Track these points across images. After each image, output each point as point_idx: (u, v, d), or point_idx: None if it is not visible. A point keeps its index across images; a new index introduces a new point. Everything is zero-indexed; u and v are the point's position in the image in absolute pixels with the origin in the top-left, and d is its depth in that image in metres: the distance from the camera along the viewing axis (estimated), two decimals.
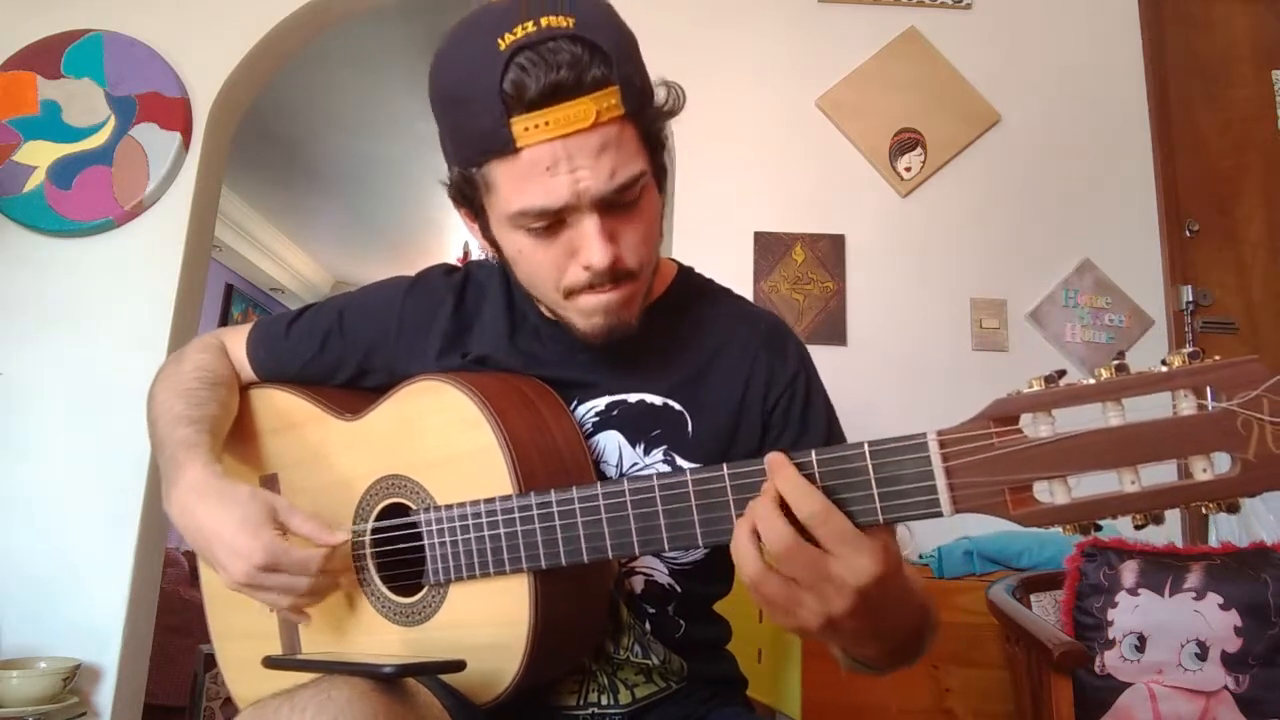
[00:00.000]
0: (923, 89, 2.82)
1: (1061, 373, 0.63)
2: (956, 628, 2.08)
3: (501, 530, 0.88)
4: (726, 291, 1.16)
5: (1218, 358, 0.58)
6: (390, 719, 0.75)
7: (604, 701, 1.00)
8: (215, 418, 1.09)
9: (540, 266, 0.93)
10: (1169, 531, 2.35)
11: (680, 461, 1.02)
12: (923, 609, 0.84)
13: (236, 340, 1.21)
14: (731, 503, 0.76)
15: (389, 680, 0.79)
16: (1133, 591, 1.85)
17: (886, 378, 2.63)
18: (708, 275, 1.18)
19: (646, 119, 0.91)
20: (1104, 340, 2.67)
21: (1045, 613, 1.99)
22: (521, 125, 0.84)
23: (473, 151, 0.89)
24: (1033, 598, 2.01)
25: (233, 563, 0.93)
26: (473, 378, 0.98)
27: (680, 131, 2.73)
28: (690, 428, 1.03)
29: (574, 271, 0.91)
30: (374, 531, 1.01)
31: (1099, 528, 0.64)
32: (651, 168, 0.93)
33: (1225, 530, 2.18)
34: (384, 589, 1.00)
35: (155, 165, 2.60)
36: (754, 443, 1.04)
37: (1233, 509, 0.59)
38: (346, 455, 1.06)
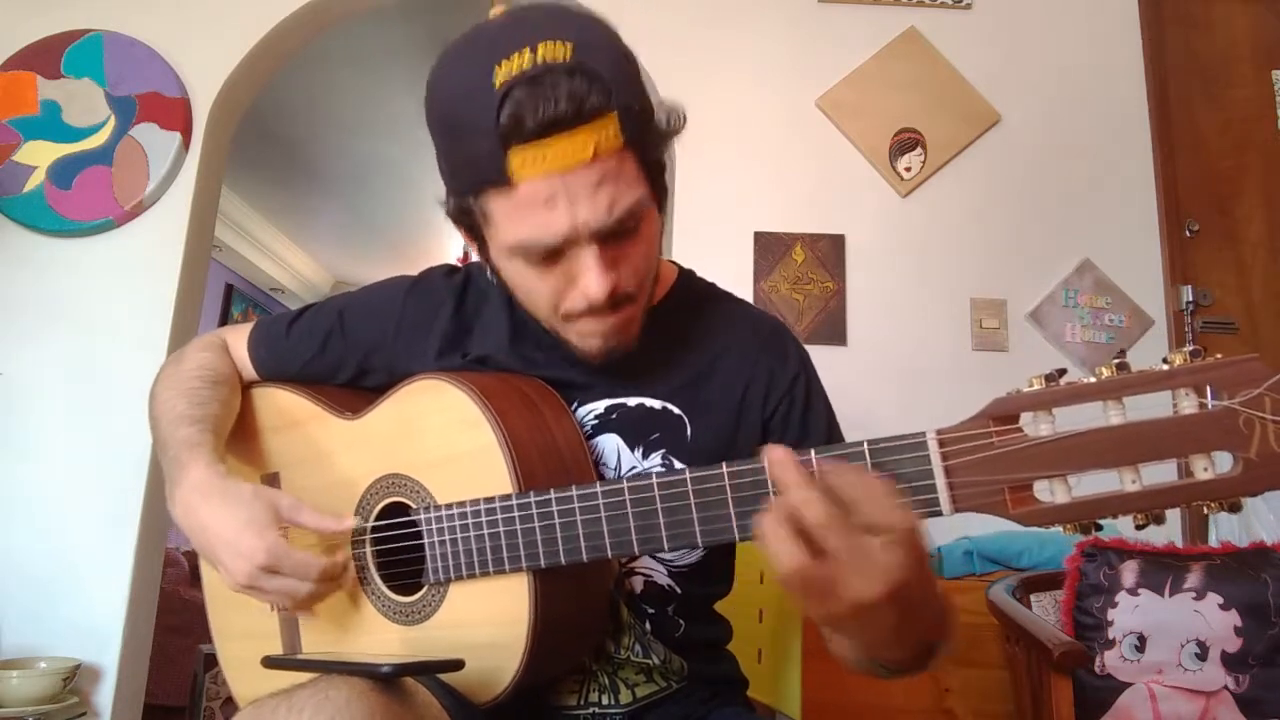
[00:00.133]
0: (923, 89, 2.82)
1: (1062, 371, 0.63)
2: None
3: (501, 529, 0.88)
4: (727, 295, 1.16)
5: (1219, 356, 0.58)
6: (388, 718, 0.75)
7: (604, 701, 1.00)
8: (217, 417, 1.09)
9: (539, 293, 0.93)
10: (1169, 531, 2.35)
11: (678, 466, 1.01)
12: (945, 609, 0.83)
13: (238, 339, 1.21)
14: (731, 502, 0.76)
15: (387, 680, 0.79)
16: (1133, 591, 1.85)
17: (886, 378, 2.62)
18: (708, 276, 1.18)
19: (646, 146, 0.89)
20: (1104, 340, 2.67)
21: (1045, 613, 1.99)
22: (518, 159, 0.82)
23: (469, 181, 0.89)
24: (1033, 598, 2.01)
25: (235, 563, 0.93)
26: (473, 377, 0.98)
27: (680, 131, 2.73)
28: (689, 432, 1.03)
29: (573, 298, 0.92)
30: (374, 530, 1.01)
31: (1099, 527, 0.63)
32: (652, 192, 0.92)
33: (1225, 530, 2.18)
34: (384, 588, 1.00)
35: (155, 165, 2.60)
36: (754, 447, 1.03)
37: (1234, 508, 0.59)
38: (347, 454, 1.06)
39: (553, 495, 0.86)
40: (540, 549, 0.86)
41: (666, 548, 0.82)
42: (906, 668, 0.83)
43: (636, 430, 1.03)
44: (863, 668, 0.87)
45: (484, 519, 0.90)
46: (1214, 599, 1.81)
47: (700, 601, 1.10)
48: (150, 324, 2.55)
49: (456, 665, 0.84)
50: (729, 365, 1.06)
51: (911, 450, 0.68)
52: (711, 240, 2.70)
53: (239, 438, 1.17)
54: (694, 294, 1.13)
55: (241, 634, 1.14)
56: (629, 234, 0.90)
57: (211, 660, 3.25)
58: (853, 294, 2.70)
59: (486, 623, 0.91)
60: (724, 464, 0.77)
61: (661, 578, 1.03)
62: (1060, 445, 0.62)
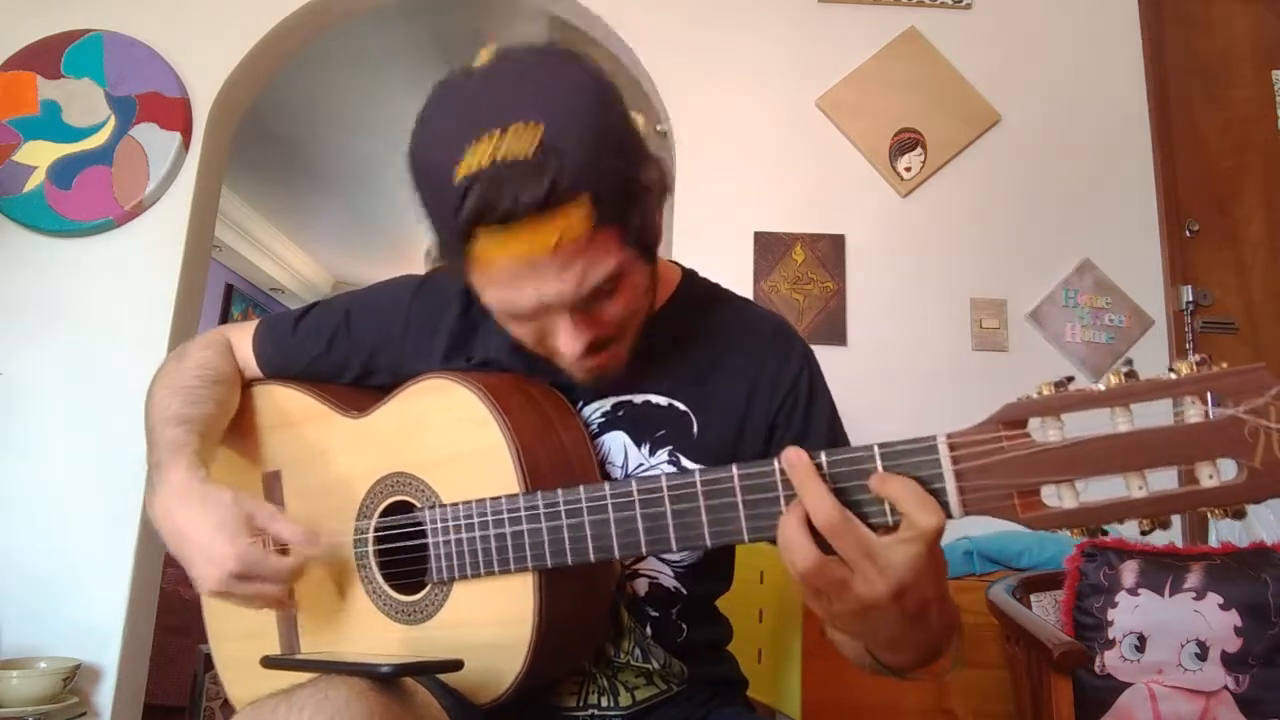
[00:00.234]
0: (923, 89, 2.82)
1: (1070, 378, 0.63)
2: None
3: (507, 529, 0.88)
4: (731, 295, 1.16)
5: (1225, 365, 0.58)
6: (388, 718, 0.75)
7: (604, 703, 1.00)
8: (210, 417, 1.09)
9: (521, 338, 0.94)
10: (1169, 532, 2.34)
11: (685, 462, 1.02)
12: (955, 617, 0.84)
13: (242, 337, 1.21)
14: (741, 504, 0.76)
15: (386, 680, 0.79)
16: (1133, 591, 1.85)
17: (886, 378, 2.63)
18: (708, 276, 1.18)
19: (626, 219, 0.86)
20: (1104, 340, 2.68)
21: (1045, 613, 1.99)
22: (482, 243, 0.82)
23: (445, 247, 0.89)
24: (1033, 598, 2.01)
25: (206, 569, 0.93)
26: (480, 377, 0.98)
27: (680, 132, 2.74)
28: (695, 429, 1.03)
29: (552, 346, 0.92)
30: (377, 529, 1.01)
31: (1105, 532, 0.64)
32: (634, 253, 0.89)
33: (1225, 530, 2.18)
34: (386, 587, 1.00)
35: (155, 165, 2.60)
36: (758, 444, 1.04)
37: (1238, 515, 0.59)
38: (351, 452, 1.06)
39: (560, 495, 0.86)
40: (547, 549, 0.86)
41: (675, 549, 0.82)
42: (908, 670, 0.84)
43: (643, 427, 1.03)
44: (862, 664, 0.88)
45: (490, 518, 0.90)
46: (1214, 599, 1.81)
47: (703, 601, 1.10)
48: (150, 324, 2.55)
49: (456, 665, 0.85)
50: (734, 363, 1.06)
51: (922, 454, 0.69)
52: (711, 240, 2.70)
53: (241, 435, 1.17)
54: (698, 294, 1.13)
55: (238, 635, 1.14)
56: (605, 295, 0.89)
57: (211, 660, 3.24)
58: (853, 294, 2.70)
59: (490, 622, 0.91)
60: (734, 465, 0.77)
61: (667, 579, 1.04)
62: (1068, 451, 0.63)
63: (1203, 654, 1.79)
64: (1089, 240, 2.74)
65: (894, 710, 2.06)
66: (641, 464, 1.02)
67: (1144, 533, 0.62)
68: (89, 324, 2.55)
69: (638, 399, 1.04)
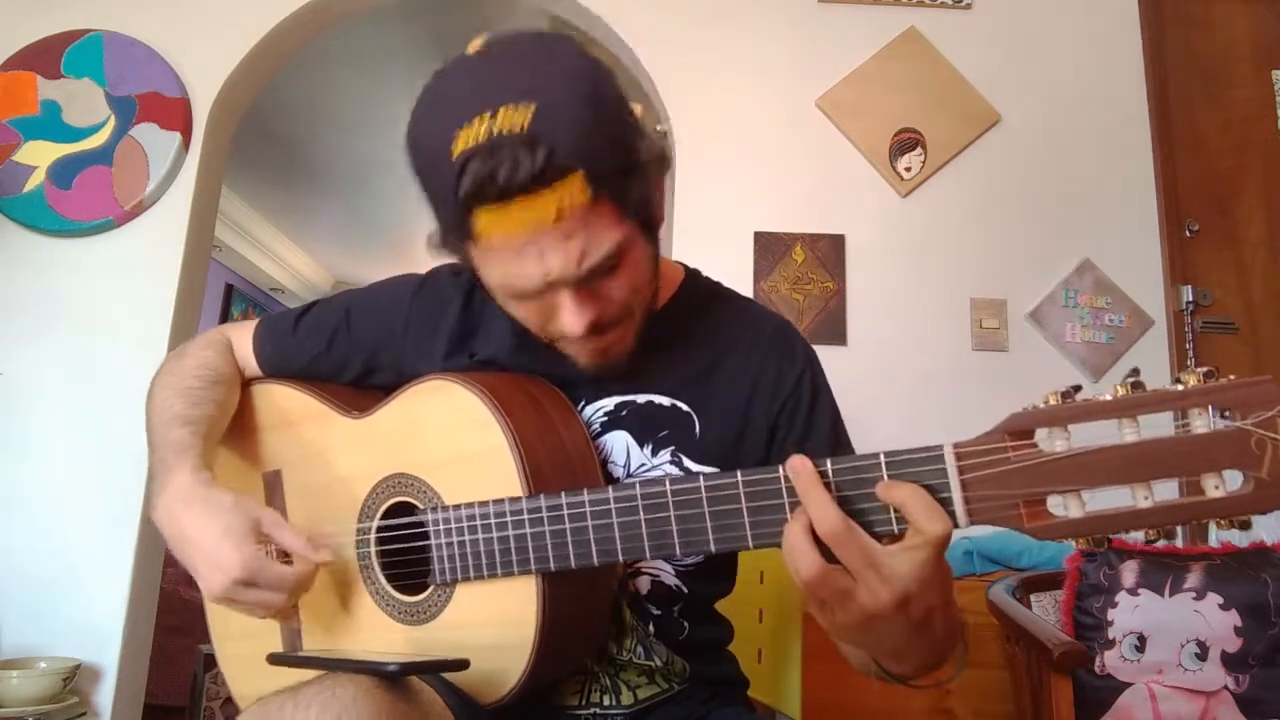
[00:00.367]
0: (923, 89, 2.82)
1: (1077, 388, 0.63)
2: None
3: (511, 532, 0.88)
4: (733, 294, 1.16)
5: (1233, 377, 0.59)
6: (394, 717, 0.75)
7: (606, 702, 1.01)
8: (212, 418, 1.09)
9: (525, 320, 0.95)
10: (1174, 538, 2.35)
11: (687, 462, 1.02)
12: (960, 624, 0.84)
13: (242, 336, 1.21)
14: (746, 510, 0.77)
15: (393, 678, 0.79)
16: (1133, 591, 1.86)
17: (886, 378, 2.63)
18: (710, 276, 1.18)
19: (623, 192, 0.87)
20: (1104, 340, 2.68)
21: (1045, 613, 1.99)
22: (483, 220, 0.83)
23: (445, 230, 0.90)
24: (1033, 598, 2.01)
25: (211, 574, 0.93)
26: (482, 378, 0.98)
27: (680, 132, 2.74)
28: (697, 429, 1.03)
29: (555, 327, 0.93)
30: (379, 530, 1.01)
31: (1110, 541, 0.64)
32: (635, 229, 0.91)
33: (1225, 531, 2.19)
34: (389, 587, 1.00)
35: (155, 165, 2.59)
36: (761, 444, 1.04)
37: (1244, 526, 0.59)
38: (353, 453, 1.06)
39: (564, 499, 0.86)
40: (550, 552, 0.87)
41: (679, 553, 0.82)
42: (913, 678, 0.84)
43: (646, 427, 1.03)
44: (870, 673, 0.88)
45: (493, 521, 0.90)
46: (1214, 599, 1.81)
47: (705, 601, 1.11)
48: (150, 324, 2.55)
49: (462, 665, 0.85)
50: (736, 363, 1.07)
51: (929, 463, 0.69)
52: (711, 240, 2.70)
53: (242, 435, 1.17)
54: (700, 293, 1.14)
55: (241, 634, 1.14)
56: (608, 273, 0.90)
57: (211, 660, 3.24)
58: (853, 294, 2.70)
59: (493, 624, 0.91)
60: (739, 472, 0.77)
61: (669, 577, 1.04)
62: (1075, 461, 0.63)
63: (1203, 654, 1.79)
64: (1089, 240, 2.74)
65: (894, 711, 2.06)
66: (644, 464, 1.02)
67: (1149, 542, 0.62)
68: (89, 324, 2.54)
69: (640, 399, 1.04)
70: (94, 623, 2.36)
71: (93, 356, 2.52)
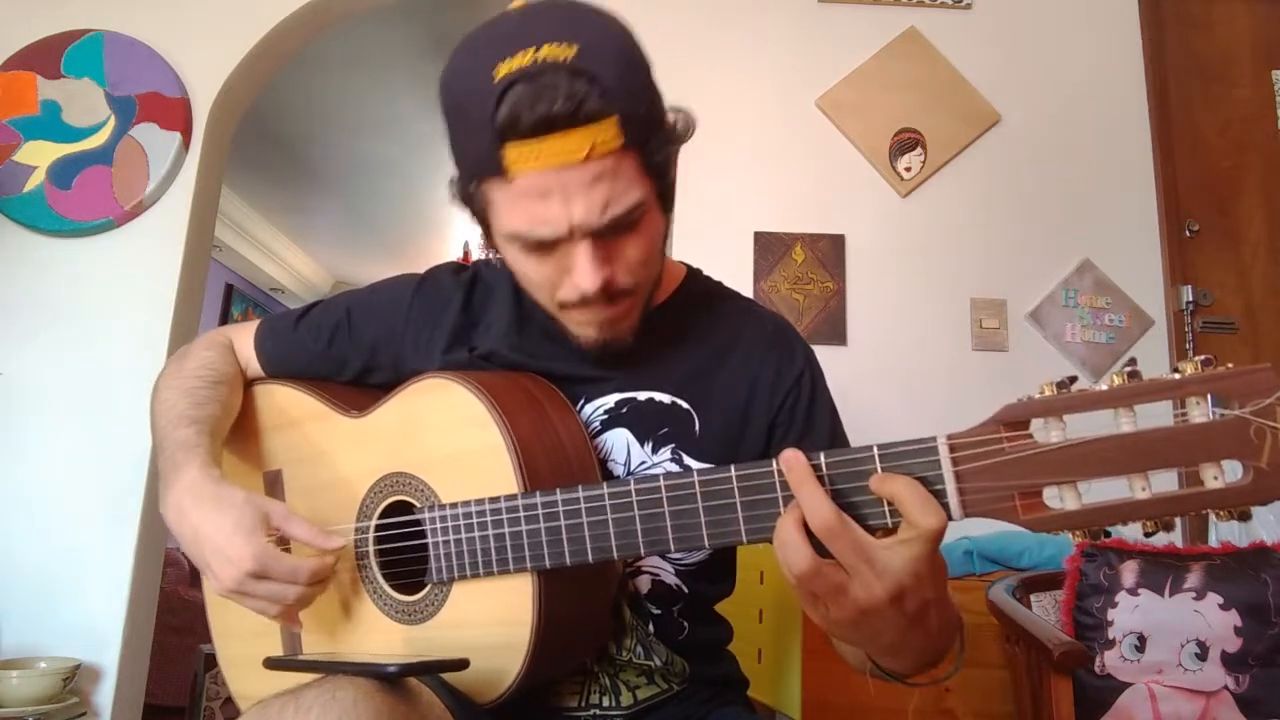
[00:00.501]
0: (923, 89, 2.82)
1: (1073, 378, 0.63)
2: None
3: (506, 529, 0.88)
4: (734, 293, 1.17)
5: (1230, 365, 0.58)
6: (394, 719, 0.75)
7: (605, 703, 1.00)
8: (216, 418, 1.09)
9: (536, 280, 0.95)
10: (1170, 532, 2.34)
11: (688, 460, 1.02)
12: (957, 620, 0.84)
13: (244, 336, 1.21)
14: (739, 505, 0.76)
15: (393, 680, 0.79)
16: (1133, 591, 1.85)
17: (886, 378, 2.63)
18: (711, 276, 1.18)
19: (649, 148, 0.89)
20: (1104, 340, 2.67)
21: (1045, 613, 1.99)
22: (513, 154, 0.83)
23: (471, 169, 0.91)
24: (1033, 598, 2.01)
25: (223, 568, 0.92)
26: (479, 376, 0.98)
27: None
28: (697, 426, 1.03)
29: (567, 289, 0.93)
30: (377, 529, 1.01)
31: (1108, 534, 0.64)
32: (653, 193, 0.92)
33: (1225, 530, 2.18)
34: (386, 587, 1.00)
35: (155, 165, 2.59)
36: (760, 442, 1.05)
37: (1244, 517, 0.59)
38: (351, 452, 1.06)
39: (559, 496, 0.86)
40: (545, 550, 0.86)
41: (673, 549, 0.82)
42: (910, 675, 0.83)
43: (646, 425, 1.03)
44: (866, 671, 0.88)
45: (489, 519, 0.90)
46: (1214, 599, 1.81)
47: (705, 602, 1.10)
48: (150, 324, 2.55)
49: (462, 665, 0.85)
50: (736, 361, 1.07)
51: (922, 455, 0.68)
52: (711, 240, 2.69)
53: (242, 435, 1.17)
54: (701, 291, 1.14)
55: (242, 634, 1.14)
56: (625, 230, 0.90)
57: (212, 660, 3.25)
58: (853, 294, 2.70)
59: (489, 623, 0.91)
60: (733, 466, 0.77)
61: (669, 576, 1.04)
62: (1071, 452, 0.62)
63: (1203, 654, 1.79)
64: (1089, 240, 2.74)
65: (894, 710, 2.06)
66: (644, 461, 1.02)
67: (1147, 534, 0.61)
68: (89, 324, 2.54)
69: (641, 396, 1.04)
70: (94, 623, 2.36)
71: (93, 356, 2.52)
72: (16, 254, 2.55)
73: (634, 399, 1.04)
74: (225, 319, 6.27)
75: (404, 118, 4.51)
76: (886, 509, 0.70)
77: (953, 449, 0.67)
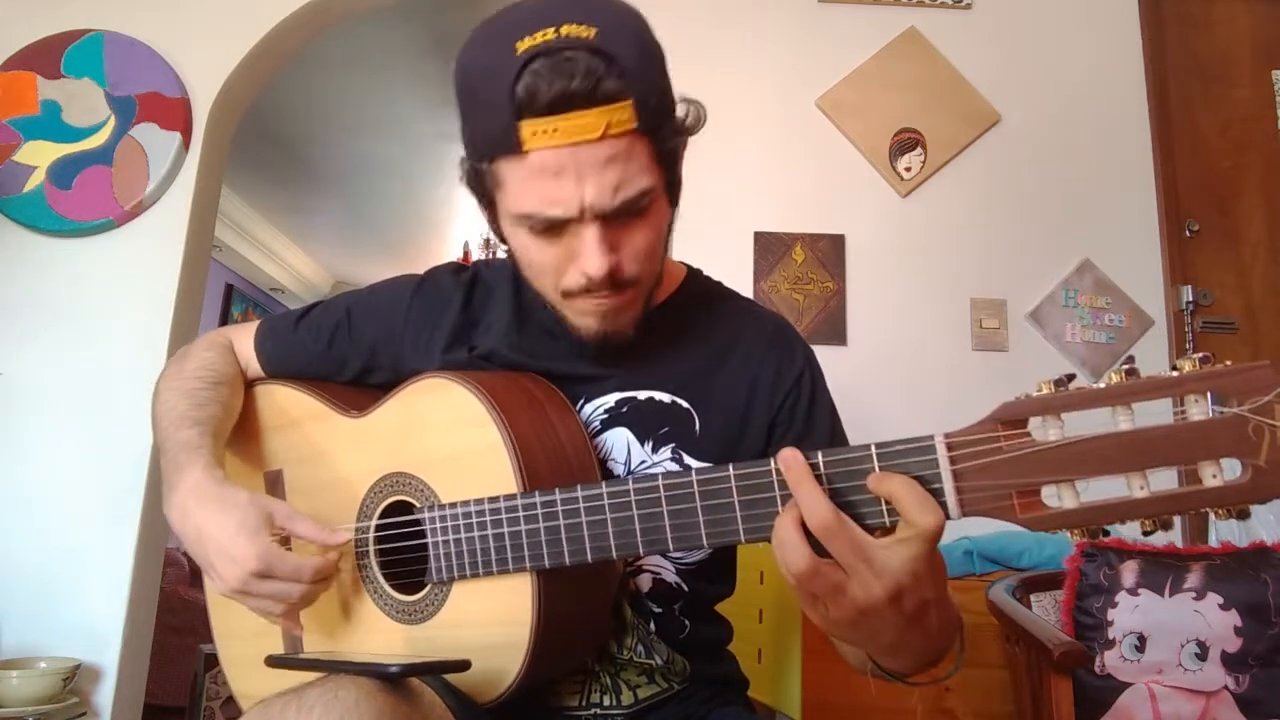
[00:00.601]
0: (923, 89, 2.82)
1: (1071, 376, 0.63)
2: None
3: (505, 529, 0.88)
4: (734, 293, 1.17)
5: (1229, 363, 0.58)
6: (396, 718, 0.75)
7: (606, 702, 1.00)
8: (218, 419, 1.09)
9: (541, 265, 0.94)
10: (1170, 532, 2.35)
11: (688, 459, 1.02)
12: (957, 619, 0.83)
13: (244, 337, 1.21)
14: (738, 504, 0.76)
15: (395, 680, 0.79)
16: (1133, 591, 1.85)
17: (886, 378, 2.63)
18: (711, 276, 1.19)
19: (661, 135, 0.90)
20: (1104, 340, 2.67)
21: (1045, 613, 1.99)
22: (530, 129, 0.84)
23: (484, 147, 0.90)
24: (1033, 598, 2.01)
25: (227, 568, 0.93)
26: (479, 376, 0.98)
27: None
28: (697, 426, 1.04)
29: (573, 274, 0.92)
30: (377, 529, 1.01)
31: (1106, 533, 0.63)
32: (663, 182, 0.93)
33: (1225, 530, 2.18)
34: (387, 586, 1.00)
35: (155, 165, 2.59)
36: (760, 442, 1.05)
37: (1243, 515, 0.58)
38: (351, 452, 1.06)
39: (558, 495, 0.86)
40: (544, 549, 0.86)
41: (671, 548, 0.82)
42: (910, 675, 0.83)
43: (647, 424, 1.03)
44: (866, 671, 0.88)
45: (488, 518, 0.90)
46: (1214, 599, 1.81)
47: (705, 601, 1.11)
48: (150, 324, 2.55)
49: (463, 666, 0.85)
50: (736, 361, 1.07)
51: (919, 454, 0.68)
52: (711, 240, 2.69)
53: (243, 435, 1.17)
54: (701, 291, 1.15)
55: (244, 633, 1.14)
56: (634, 216, 0.91)
57: (212, 660, 3.25)
58: (853, 294, 2.70)
59: (489, 622, 0.91)
60: (731, 465, 0.77)
61: (669, 575, 1.04)
62: (1068, 450, 0.62)
63: (1203, 654, 1.79)
64: (1089, 240, 2.74)
65: (894, 710, 2.06)
66: (644, 461, 1.03)
67: (1146, 533, 0.61)
68: (89, 324, 2.54)
69: (641, 395, 1.04)
70: (94, 623, 2.36)
71: (93, 356, 2.52)
72: (16, 254, 2.55)
73: (634, 398, 1.04)
74: (225, 319, 6.28)
75: (404, 118, 4.51)
76: (884, 508, 0.70)
77: (950, 448, 0.67)
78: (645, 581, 1.03)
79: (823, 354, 1.15)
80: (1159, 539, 1.97)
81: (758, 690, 1.26)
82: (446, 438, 0.97)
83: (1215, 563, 1.86)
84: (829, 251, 2.72)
